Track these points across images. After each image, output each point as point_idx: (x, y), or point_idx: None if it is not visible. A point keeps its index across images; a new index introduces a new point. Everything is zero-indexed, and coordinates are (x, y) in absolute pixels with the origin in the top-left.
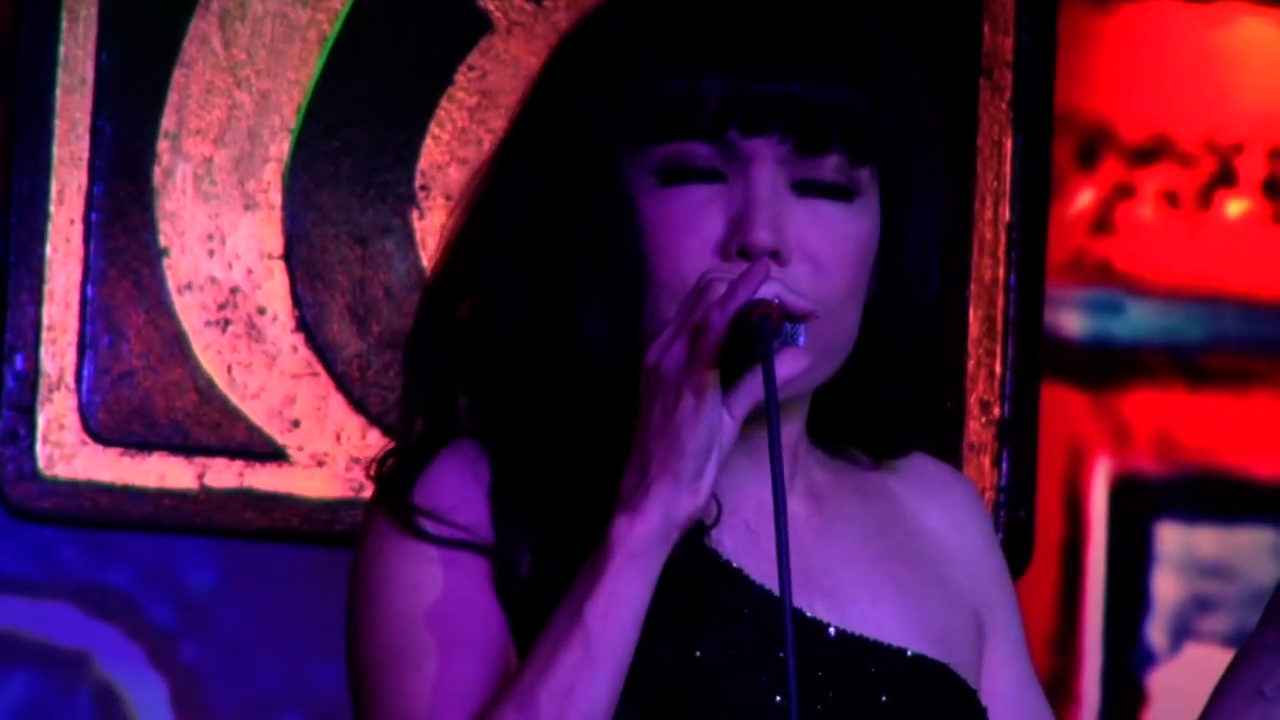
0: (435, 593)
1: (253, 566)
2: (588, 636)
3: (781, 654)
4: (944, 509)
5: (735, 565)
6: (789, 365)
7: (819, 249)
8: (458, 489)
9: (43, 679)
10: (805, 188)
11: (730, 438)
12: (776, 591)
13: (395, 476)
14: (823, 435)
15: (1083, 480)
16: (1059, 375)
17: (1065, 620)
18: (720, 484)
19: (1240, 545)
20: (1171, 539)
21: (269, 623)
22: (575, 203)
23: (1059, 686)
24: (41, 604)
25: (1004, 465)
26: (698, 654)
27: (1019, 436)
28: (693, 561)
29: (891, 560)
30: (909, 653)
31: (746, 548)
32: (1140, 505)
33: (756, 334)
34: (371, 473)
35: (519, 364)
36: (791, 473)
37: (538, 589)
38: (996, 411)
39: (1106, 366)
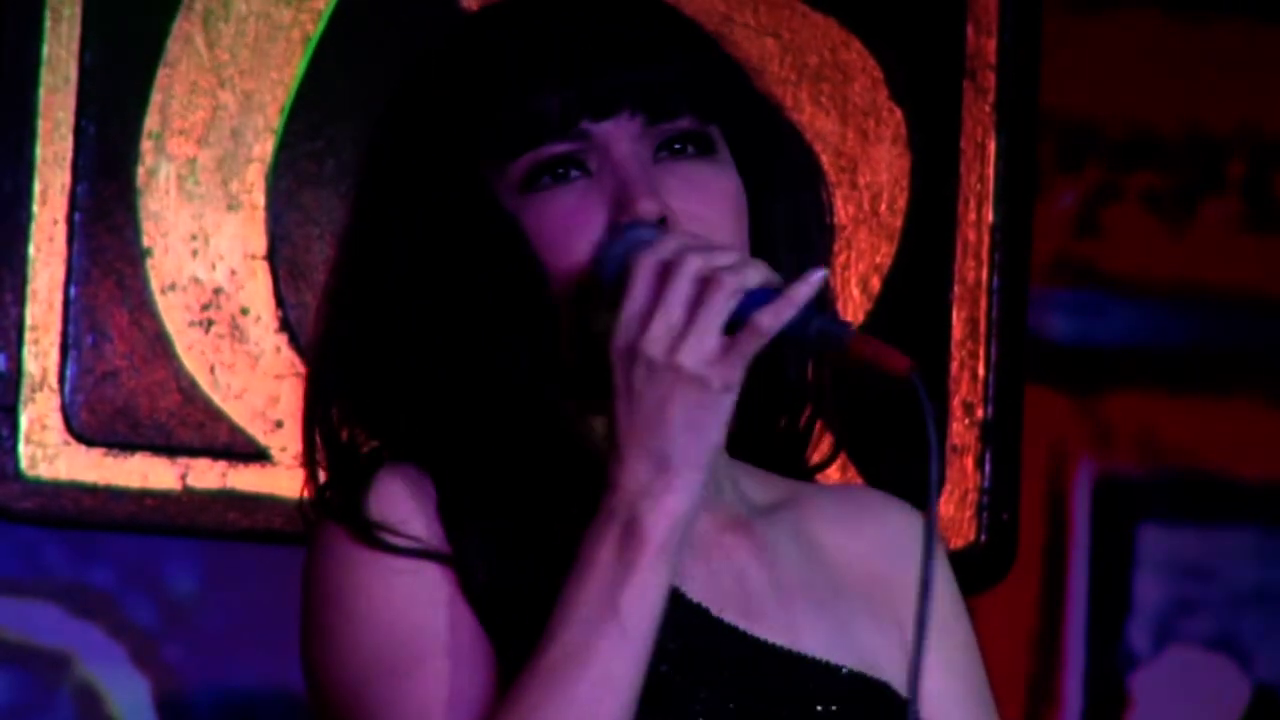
0: (410, 602)
1: (235, 567)
2: (624, 628)
3: (722, 672)
4: (881, 541)
5: (673, 584)
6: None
7: (701, 207)
8: (407, 501)
9: (24, 678)
10: (667, 147)
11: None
12: (713, 611)
13: (343, 497)
14: (746, 450)
15: (1065, 482)
16: (1042, 377)
17: (1047, 622)
18: None
19: (1222, 547)
20: (1154, 541)
21: (251, 623)
22: (458, 238)
23: (1041, 688)
24: (23, 604)
25: (987, 467)
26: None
27: (1002, 438)
28: None
29: (819, 585)
30: (844, 670)
31: (685, 567)
32: (1122, 507)
33: (915, 400)
34: (312, 506)
35: (439, 402)
36: (715, 488)
37: (497, 594)
38: (980, 413)
39: (1089, 368)
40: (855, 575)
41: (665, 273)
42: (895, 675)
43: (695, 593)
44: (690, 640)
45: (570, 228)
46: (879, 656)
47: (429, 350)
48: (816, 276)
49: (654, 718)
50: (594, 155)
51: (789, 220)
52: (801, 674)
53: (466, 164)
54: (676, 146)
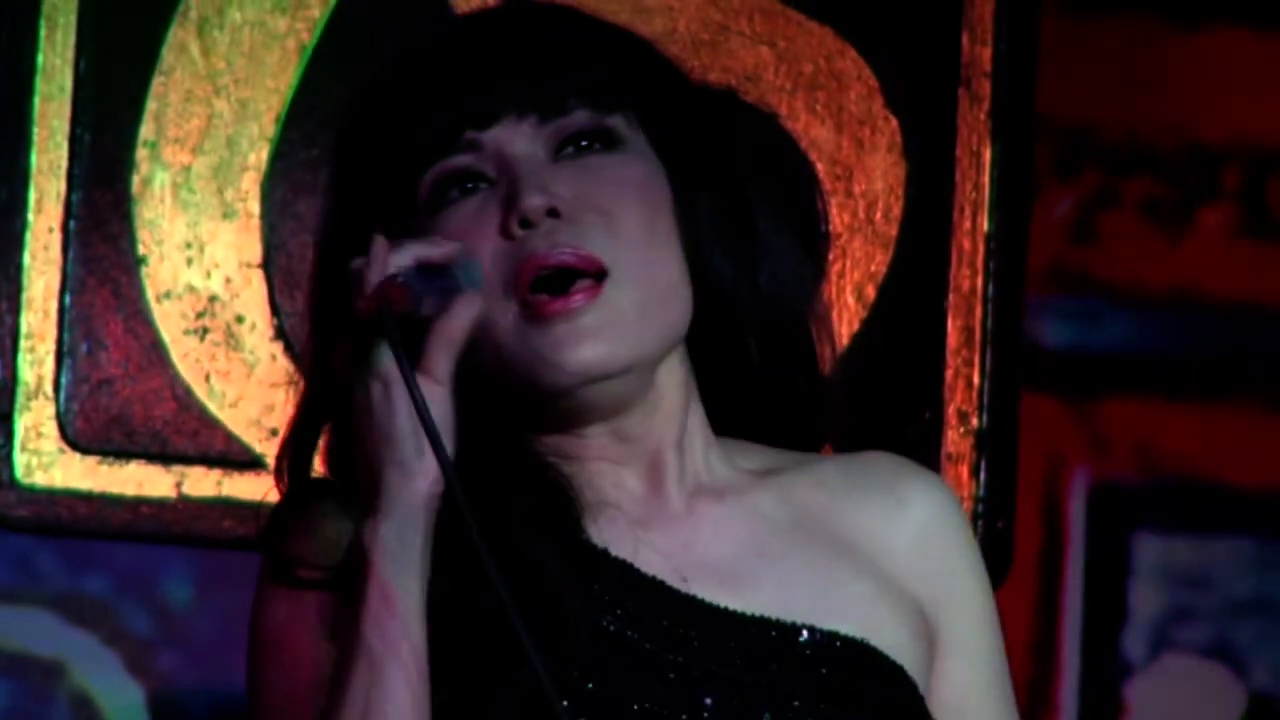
0: (306, 637)
1: (230, 575)
2: (369, 651)
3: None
4: (889, 508)
5: (623, 559)
6: (467, 310)
7: (602, 197)
8: (320, 531)
9: (19, 687)
10: (572, 144)
11: (445, 399)
12: (669, 582)
13: (266, 531)
14: (743, 429)
15: (1061, 490)
16: (1037, 385)
17: (1043, 630)
18: (595, 480)
19: (1218, 555)
20: (1149, 549)
21: (246, 632)
22: None
23: (1037, 696)
24: (18, 612)
25: (982, 475)
26: (576, 651)
27: (997, 446)
28: (572, 557)
29: (809, 547)
30: (817, 628)
31: (629, 542)
32: (1118, 515)
33: (381, 328)
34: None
35: None
36: (680, 462)
37: (435, 617)
38: (975, 421)
39: (1085, 376)
40: (861, 541)
41: None
42: (899, 639)
43: (652, 567)
44: (648, 615)
45: (466, 235)
46: (877, 617)
47: None
48: (377, 251)
49: (622, 688)
50: (490, 163)
51: (714, 210)
52: (773, 638)
53: (381, 196)
54: (583, 144)
